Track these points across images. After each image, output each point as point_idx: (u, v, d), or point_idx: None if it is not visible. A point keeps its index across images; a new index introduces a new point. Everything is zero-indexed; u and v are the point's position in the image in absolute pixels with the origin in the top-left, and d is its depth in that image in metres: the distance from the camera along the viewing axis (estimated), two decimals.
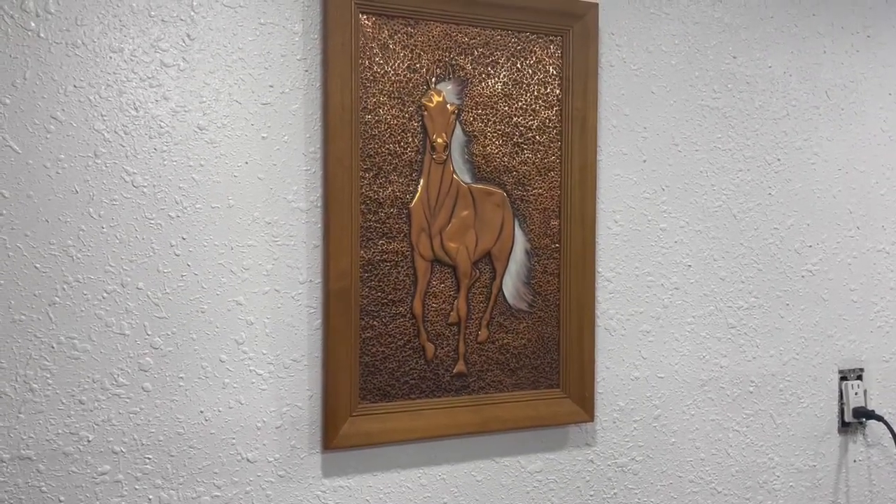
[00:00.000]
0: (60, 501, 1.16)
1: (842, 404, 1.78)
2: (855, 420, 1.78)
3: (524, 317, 1.44)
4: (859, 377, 1.79)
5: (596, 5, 1.45)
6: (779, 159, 1.69)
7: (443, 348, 1.38)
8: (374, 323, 1.33)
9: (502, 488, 1.45)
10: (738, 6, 1.63)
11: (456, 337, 1.39)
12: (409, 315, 1.36)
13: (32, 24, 1.13)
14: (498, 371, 1.42)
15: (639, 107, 1.54)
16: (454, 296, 1.39)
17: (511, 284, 1.43)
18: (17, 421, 1.14)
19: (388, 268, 1.34)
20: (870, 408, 1.79)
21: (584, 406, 1.47)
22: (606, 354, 1.53)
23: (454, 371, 1.39)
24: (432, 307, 1.37)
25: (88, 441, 1.17)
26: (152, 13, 1.19)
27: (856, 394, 1.78)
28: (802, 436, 1.73)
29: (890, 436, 1.78)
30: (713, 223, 1.62)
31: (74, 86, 1.15)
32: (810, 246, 1.73)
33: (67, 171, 1.15)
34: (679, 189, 1.59)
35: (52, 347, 1.15)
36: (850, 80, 1.75)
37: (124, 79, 1.18)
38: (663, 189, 1.57)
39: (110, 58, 1.17)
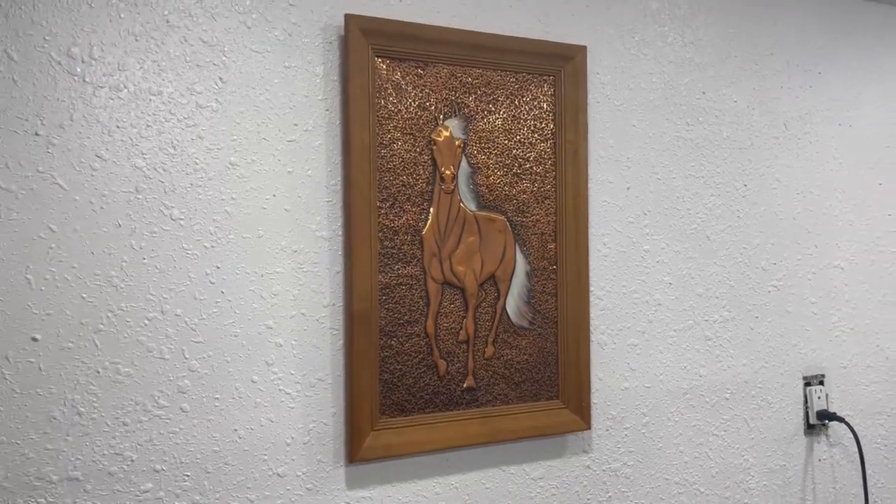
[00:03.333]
0: None
1: (806, 408, 1.94)
2: (819, 422, 1.94)
3: (526, 333, 1.56)
4: (821, 382, 1.96)
5: (584, 48, 1.60)
6: (745, 185, 1.85)
7: (453, 364, 1.49)
8: (392, 342, 1.43)
9: (508, 495, 1.56)
10: (707, 47, 1.80)
11: (465, 354, 1.50)
12: (423, 334, 1.46)
13: (78, 70, 1.21)
14: (503, 385, 1.54)
15: (622, 139, 1.69)
16: (463, 315, 1.50)
17: (513, 304, 1.55)
18: (65, 443, 1.20)
19: (403, 291, 1.44)
20: (831, 410, 1.96)
21: (582, 415, 1.60)
22: (599, 367, 1.66)
23: (464, 386, 1.50)
24: (444, 326, 1.48)
25: (132, 461, 1.24)
26: (188, 59, 1.28)
27: (819, 398, 1.94)
28: (773, 438, 1.89)
29: (851, 435, 1.95)
30: (690, 244, 1.78)
31: (117, 126, 1.23)
32: (775, 263, 1.90)
33: (111, 206, 1.23)
34: (659, 213, 1.73)
35: (98, 372, 1.22)
36: (805, 112, 1.94)
37: (163, 119, 1.26)
38: (645, 214, 1.72)
39: (150, 100, 1.26)
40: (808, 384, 1.94)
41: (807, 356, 1.94)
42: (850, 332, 2.01)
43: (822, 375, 1.96)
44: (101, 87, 1.22)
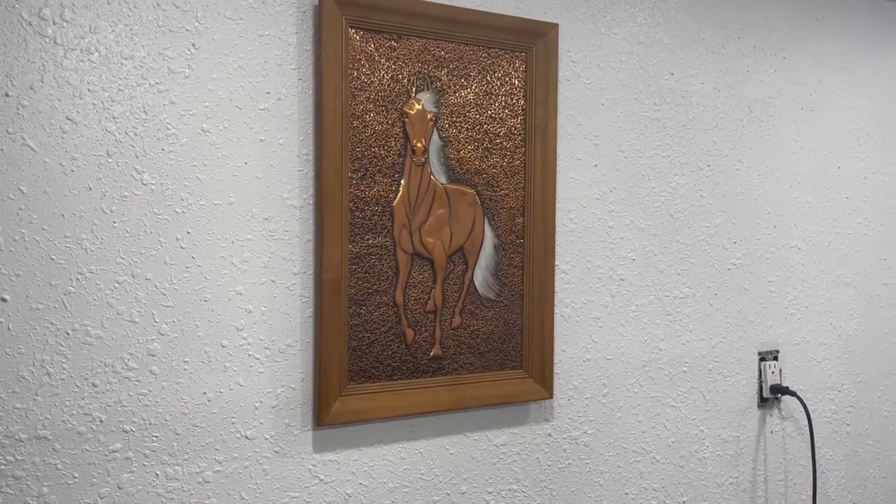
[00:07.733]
0: (74, 478, 1.24)
1: (761, 382, 2.01)
2: (772, 396, 2.02)
3: (492, 305, 1.60)
4: (775, 358, 2.03)
5: (556, 25, 1.62)
6: (709, 165, 1.90)
7: (421, 334, 1.52)
8: (361, 311, 1.46)
9: (472, 460, 1.60)
10: (676, 29, 1.83)
11: (433, 323, 1.53)
12: (391, 304, 1.49)
13: (49, 31, 1.20)
14: (469, 354, 1.57)
15: (591, 117, 1.72)
16: (431, 286, 1.53)
17: (481, 276, 1.58)
18: (34, 403, 1.21)
19: (373, 261, 1.47)
20: (784, 385, 2.04)
21: (545, 385, 1.64)
22: (563, 339, 1.70)
23: (431, 354, 1.53)
24: (412, 296, 1.51)
25: (101, 421, 1.26)
26: (160, 24, 1.28)
27: (772, 372, 2.02)
28: (728, 410, 1.96)
29: (802, 409, 2.03)
30: (653, 222, 1.82)
31: (89, 89, 1.23)
32: (735, 242, 1.95)
33: (81, 169, 1.23)
34: (625, 191, 1.78)
35: (67, 334, 1.23)
36: (769, 95, 1.99)
37: (135, 84, 1.27)
38: (611, 191, 1.76)
39: (122, 64, 1.26)
40: (762, 359, 2.01)
41: (762, 332, 2.01)
42: (805, 310, 2.08)
43: (777, 351, 2.04)
44: (73, 50, 1.22)
